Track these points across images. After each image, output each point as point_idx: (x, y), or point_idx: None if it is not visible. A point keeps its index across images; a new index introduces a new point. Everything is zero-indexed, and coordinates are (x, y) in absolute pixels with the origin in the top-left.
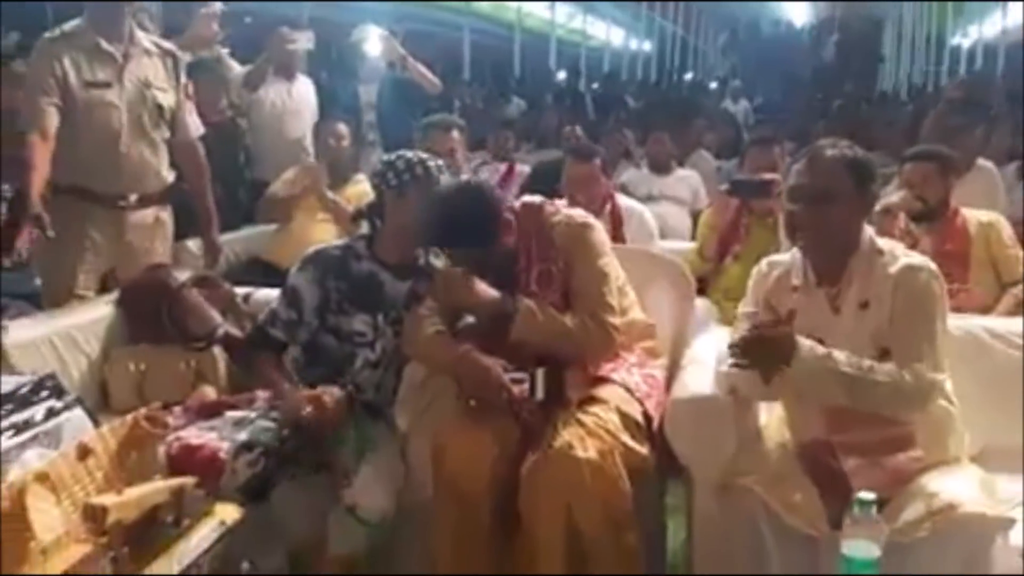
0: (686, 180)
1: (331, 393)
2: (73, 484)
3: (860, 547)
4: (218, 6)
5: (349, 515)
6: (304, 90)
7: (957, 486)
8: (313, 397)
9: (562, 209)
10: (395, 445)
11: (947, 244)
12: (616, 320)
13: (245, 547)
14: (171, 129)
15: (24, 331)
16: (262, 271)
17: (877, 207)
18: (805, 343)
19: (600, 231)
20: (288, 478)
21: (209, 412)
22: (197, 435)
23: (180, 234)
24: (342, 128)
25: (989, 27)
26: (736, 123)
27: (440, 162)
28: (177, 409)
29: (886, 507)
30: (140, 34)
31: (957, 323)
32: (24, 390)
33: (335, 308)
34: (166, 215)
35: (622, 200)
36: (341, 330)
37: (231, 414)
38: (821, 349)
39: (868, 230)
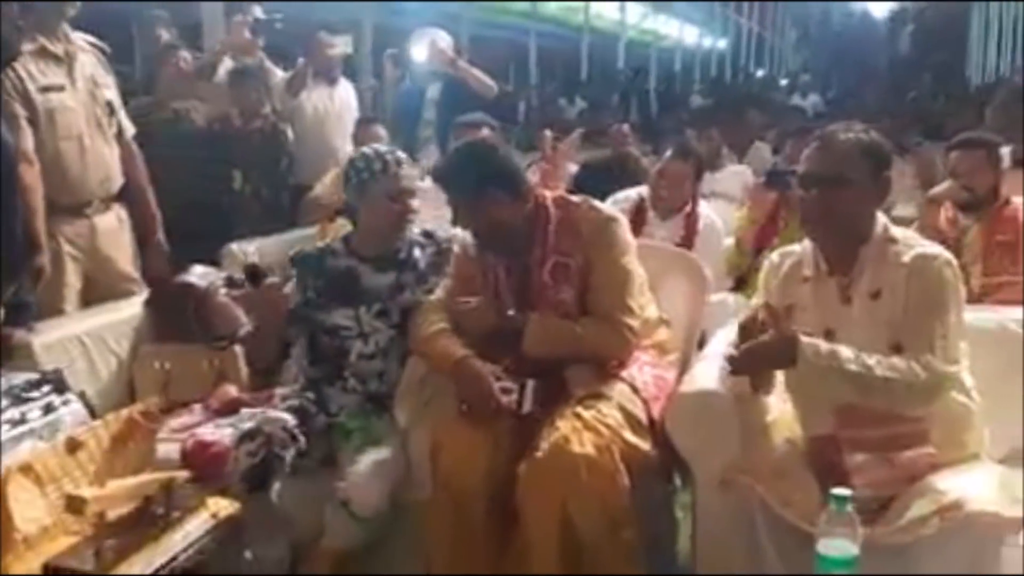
0: (738, 176)
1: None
2: (62, 476)
3: (836, 546)
4: (254, 13)
5: (342, 509)
6: (346, 94)
7: (969, 484)
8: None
9: (589, 201)
10: (399, 439)
11: (997, 234)
12: (634, 322)
13: (250, 538)
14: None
15: (53, 331)
16: None
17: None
18: (807, 343)
19: (625, 227)
20: (292, 471)
21: (227, 409)
22: (212, 432)
23: (221, 236)
24: (379, 130)
25: None
26: (806, 117)
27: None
28: (197, 407)
29: (892, 505)
30: (72, 32)
31: (991, 316)
32: (23, 386)
33: (315, 305)
34: (125, 214)
35: (703, 209)
36: (327, 326)
37: (247, 411)
38: (825, 347)
39: (882, 218)
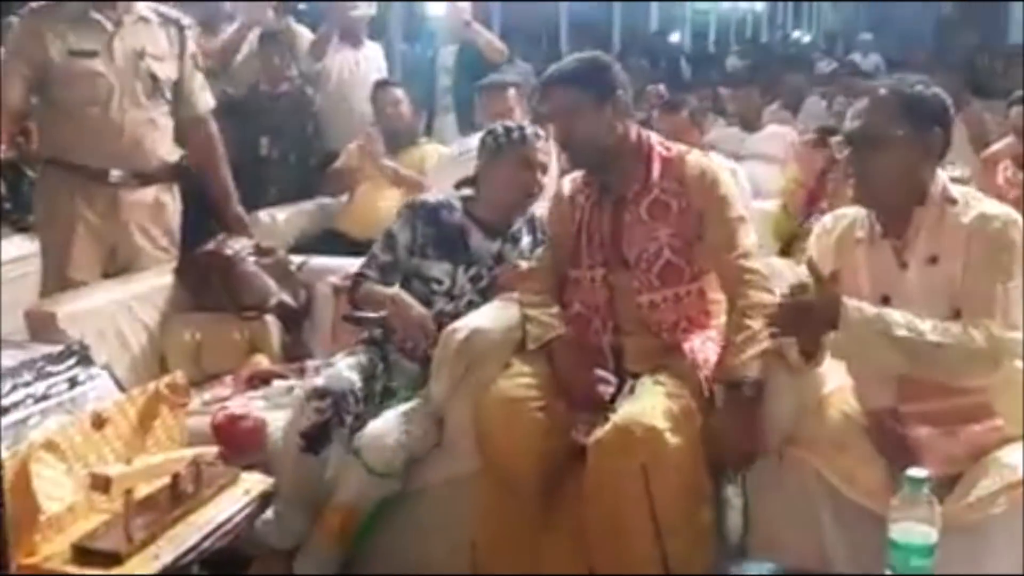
0: (778, 137)
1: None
2: (89, 453)
3: (912, 531)
4: None
5: (355, 460)
6: (373, 57)
7: None
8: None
9: (697, 151)
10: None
11: None
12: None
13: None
14: (175, 103)
15: (81, 300)
16: (335, 242)
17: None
18: (852, 305)
19: (731, 179)
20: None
21: (259, 381)
22: (243, 404)
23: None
24: (398, 93)
25: None
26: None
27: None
28: (228, 378)
29: (959, 481)
30: (139, 3)
31: None
32: (46, 359)
33: (419, 251)
34: (168, 197)
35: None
36: (421, 274)
37: (279, 383)
38: (871, 309)
39: (941, 177)
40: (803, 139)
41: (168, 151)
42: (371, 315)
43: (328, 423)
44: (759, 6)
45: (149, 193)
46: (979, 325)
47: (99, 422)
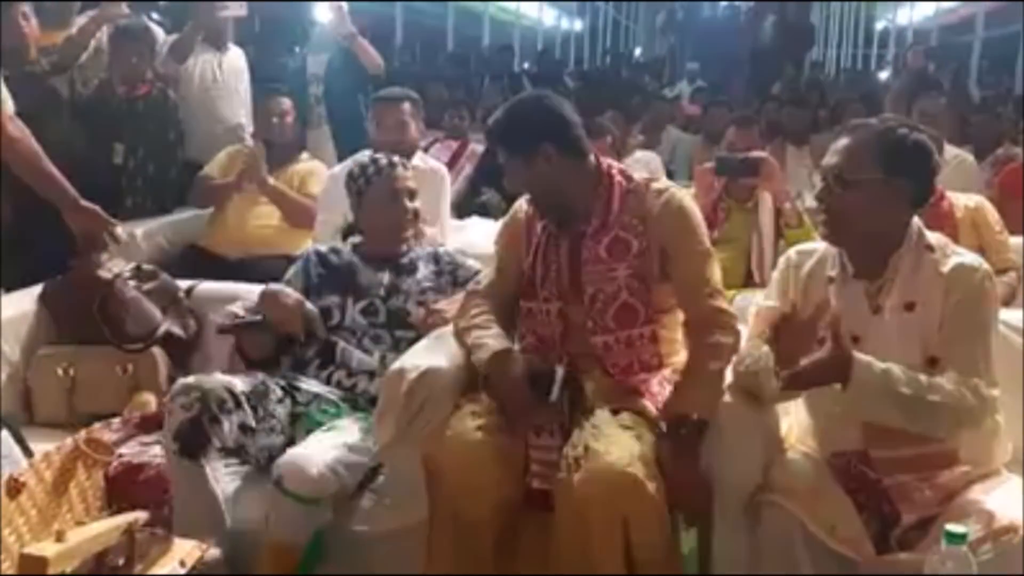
0: (643, 162)
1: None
2: (3, 527)
3: None
4: None
5: (278, 491)
6: (237, 62)
7: (1011, 503)
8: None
9: (661, 180)
10: (363, 433)
11: (933, 230)
12: (728, 305)
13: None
14: None
15: None
16: (199, 259)
17: None
18: (862, 361)
19: (697, 208)
20: (237, 454)
21: (152, 424)
22: (139, 452)
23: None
24: (287, 103)
25: (920, 9)
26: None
27: (395, 157)
28: (115, 422)
29: (932, 526)
30: None
31: None
32: None
33: (314, 291)
34: None
35: None
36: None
37: None
38: (878, 366)
39: (916, 223)
40: (703, 167)
41: None
42: (248, 318)
43: (199, 420)
44: (578, 25)
45: None
46: (969, 384)
47: (15, 489)
